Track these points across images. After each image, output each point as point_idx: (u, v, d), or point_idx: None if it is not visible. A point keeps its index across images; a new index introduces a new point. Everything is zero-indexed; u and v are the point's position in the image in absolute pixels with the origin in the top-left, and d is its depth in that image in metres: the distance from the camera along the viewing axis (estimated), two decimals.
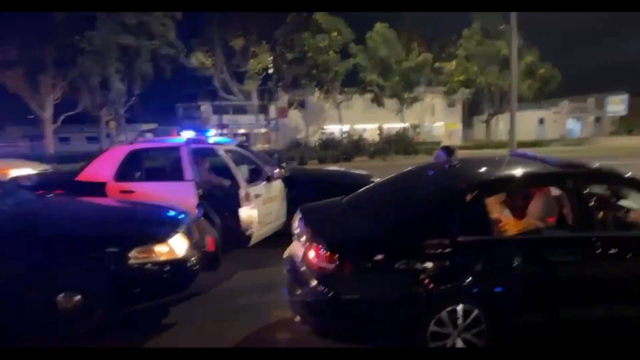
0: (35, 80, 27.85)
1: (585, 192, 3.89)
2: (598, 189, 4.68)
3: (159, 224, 4.79)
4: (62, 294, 4.06)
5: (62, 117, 31.11)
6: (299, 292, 3.75)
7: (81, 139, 43.60)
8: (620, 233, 4.05)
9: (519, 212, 4.46)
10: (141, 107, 35.16)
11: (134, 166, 6.68)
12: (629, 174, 4.09)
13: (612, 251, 3.69)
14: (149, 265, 4.26)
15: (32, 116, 30.43)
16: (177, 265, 4.39)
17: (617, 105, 49.56)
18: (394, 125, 37.30)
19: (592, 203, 4.10)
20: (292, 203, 6.67)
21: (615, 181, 4.29)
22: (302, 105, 39.50)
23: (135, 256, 4.20)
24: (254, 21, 33.70)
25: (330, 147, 30.11)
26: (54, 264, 4.10)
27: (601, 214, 4.28)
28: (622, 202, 4.62)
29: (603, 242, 3.69)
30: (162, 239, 4.40)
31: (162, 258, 4.31)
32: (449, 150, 6.20)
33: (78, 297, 4.08)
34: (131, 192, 6.25)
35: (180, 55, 31.83)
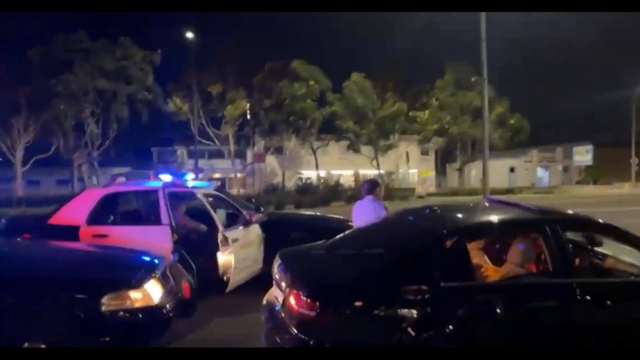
0: (8, 122, 27.48)
1: (563, 238, 3.94)
2: (574, 236, 4.74)
3: (132, 269, 4.64)
4: (28, 343, 3.83)
5: (32, 160, 30.57)
6: (278, 339, 3.64)
7: (51, 182, 42.73)
8: (599, 279, 4.07)
9: (498, 259, 4.47)
10: (116, 151, 34.76)
11: (108, 209, 6.53)
12: (604, 221, 4.18)
13: (592, 297, 3.71)
14: (122, 312, 4.09)
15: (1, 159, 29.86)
16: (151, 312, 4.23)
17: (582, 155, 51.40)
18: (370, 172, 37.74)
19: (570, 249, 4.15)
20: (270, 248, 6.58)
21: (592, 228, 4.36)
22: (278, 150, 39.79)
23: (107, 302, 4.03)
24: (231, 68, 34.29)
25: (307, 192, 30.17)
26: (21, 310, 3.89)
27: (578, 260, 4.32)
28: (598, 249, 4.68)
29: (583, 289, 3.70)
30: (136, 284, 4.25)
31: (136, 304, 4.14)
32: (372, 184, 6.08)
33: (44, 346, 3.87)
34: (105, 236, 6.08)
35: (157, 100, 31.96)
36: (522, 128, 42.20)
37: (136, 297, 4.15)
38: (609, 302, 3.77)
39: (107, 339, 4.06)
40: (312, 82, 34.60)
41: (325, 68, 36.14)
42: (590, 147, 50.48)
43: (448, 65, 40.18)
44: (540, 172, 54.45)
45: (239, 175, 42.25)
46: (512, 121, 41.43)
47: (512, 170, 52.31)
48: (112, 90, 28.50)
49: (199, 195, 6.49)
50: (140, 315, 4.16)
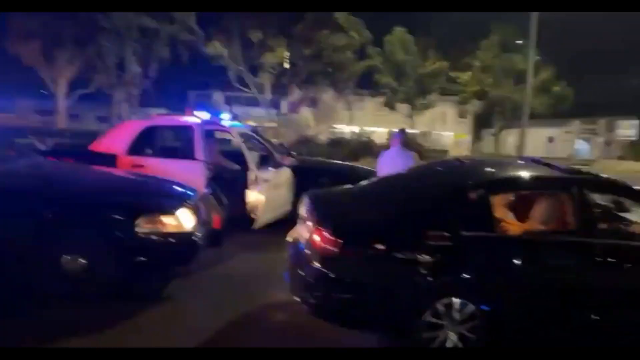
0: (52, 55, 27.99)
1: (589, 199, 3.93)
2: (602, 200, 4.71)
3: (167, 196, 4.88)
4: (68, 256, 4.13)
5: (75, 94, 31.28)
6: (301, 273, 3.81)
7: (91, 118, 43.74)
8: (621, 242, 4.06)
9: (522, 215, 4.49)
10: (155, 91, 35.18)
11: (147, 141, 6.76)
12: (634, 186, 4.14)
13: (612, 259, 3.74)
14: (155, 235, 4.33)
15: (46, 92, 30.64)
16: (182, 237, 4.47)
17: (627, 129, 49.34)
18: None
19: (596, 211, 4.15)
20: (299, 191, 6.71)
21: (620, 192, 4.32)
22: (313, 103, 39.59)
23: (141, 225, 4.28)
24: (273, 15, 33.77)
25: (339, 146, 30.21)
26: (62, 225, 4.17)
27: (603, 223, 4.31)
28: (625, 214, 4.65)
29: (604, 250, 3.73)
30: (170, 210, 4.48)
31: (168, 229, 4.38)
32: (401, 133, 5.98)
33: (83, 260, 4.15)
34: (142, 166, 6.33)
35: (198, 43, 31.93)
36: (566, 97, 40.61)
37: (169, 222, 4.39)
38: (629, 265, 3.81)
39: (141, 259, 4.34)
40: (353, 34, 33.89)
41: (368, 21, 35.27)
42: (636, 122, 48.37)
43: (495, 26, 38.59)
44: (580, 144, 52.71)
45: (273, 124, 42.40)
46: (556, 88, 39.88)
47: (550, 140, 50.77)
48: (154, 29, 28.57)
49: (235, 135, 6.63)
50: (172, 240, 4.40)
